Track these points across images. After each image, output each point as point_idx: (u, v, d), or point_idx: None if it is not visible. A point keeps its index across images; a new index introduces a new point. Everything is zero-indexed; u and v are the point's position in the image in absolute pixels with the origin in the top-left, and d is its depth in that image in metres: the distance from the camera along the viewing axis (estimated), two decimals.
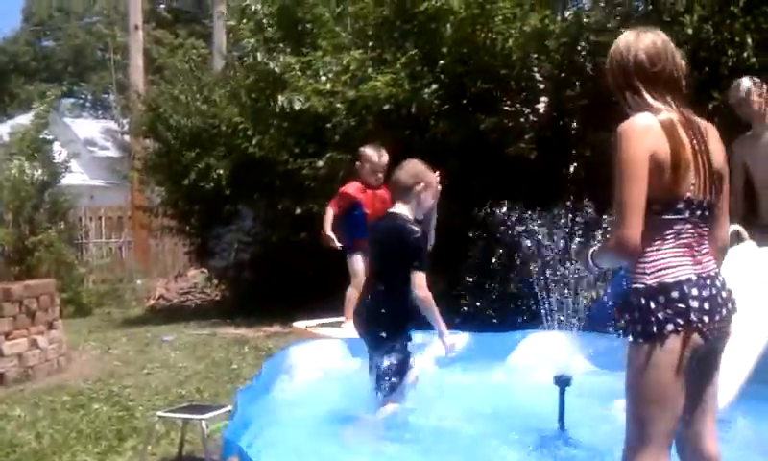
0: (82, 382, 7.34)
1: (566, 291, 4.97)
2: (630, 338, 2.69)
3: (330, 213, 6.71)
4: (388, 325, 4.36)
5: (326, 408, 4.68)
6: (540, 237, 5.12)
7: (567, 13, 9.48)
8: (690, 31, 7.49)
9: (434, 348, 4.91)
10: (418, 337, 4.72)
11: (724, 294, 2.71)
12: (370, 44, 10.18)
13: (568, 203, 5.67)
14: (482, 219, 8.17)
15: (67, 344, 8.52)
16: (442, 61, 9.30)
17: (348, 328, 6.34)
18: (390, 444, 4.11)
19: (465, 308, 8.33)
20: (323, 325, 7.06)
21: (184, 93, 12.78)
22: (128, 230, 18.43)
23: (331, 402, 4.77)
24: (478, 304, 8.30)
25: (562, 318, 5.00)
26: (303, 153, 10.18)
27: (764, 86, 5.97)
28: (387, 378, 4.29)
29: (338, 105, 9.67)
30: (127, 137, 19.76)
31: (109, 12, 39.39)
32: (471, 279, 8.56)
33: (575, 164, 8.84)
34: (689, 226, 2.70)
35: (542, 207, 5.59)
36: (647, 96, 2.73)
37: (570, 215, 5.00)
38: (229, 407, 4.80)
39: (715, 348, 2.75)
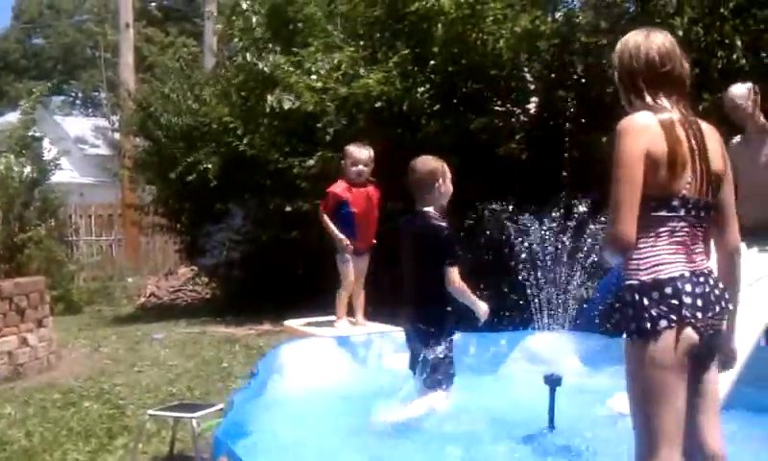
0: (72, 380, 7.33)
1: (556, 291, 5.00)
2: (624, 336, 2.68)
3: (326, 217, 6.52)
4: (435, 320, 4.50)
5: (321, 407, 4.68)
6: (531, 237, 5.15)
7: (558, 15, 9.52)
8: (681, 33, 7.52)
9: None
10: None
11: (717, 291, 2.72)
12: (361, 43, 10.18)
13: (560, 203, 5.69)
14: (473, 218, 8.18)
15: (57, 342, 8.49)
16: (433, 62, 9.31)
17: (341, 327, 6.34)
18: (383, 444, 4.12)
19: None
20: (313, 323, 7.05)
21: (175, 91, 12.74)
22: (118, 228, 18.35)
23: (326, 401, 4.78)
24: None
25: (552, 318, 5.02)
26: (294, 151, 10.17)
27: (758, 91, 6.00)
28: (434, 372, 4.41)
29: (329, 103, 9.66)
30: (117, 135, 19.63)
31: (100, 10, 39.18)
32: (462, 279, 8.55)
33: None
34: (684, 224, 2.71)
35: (533, 207, 5.62)
36: (648, 97, 2.75)
37: (562, 213, 5.02)
38: (220, 406, 4.81)
39: (711, 344, 2.74)
